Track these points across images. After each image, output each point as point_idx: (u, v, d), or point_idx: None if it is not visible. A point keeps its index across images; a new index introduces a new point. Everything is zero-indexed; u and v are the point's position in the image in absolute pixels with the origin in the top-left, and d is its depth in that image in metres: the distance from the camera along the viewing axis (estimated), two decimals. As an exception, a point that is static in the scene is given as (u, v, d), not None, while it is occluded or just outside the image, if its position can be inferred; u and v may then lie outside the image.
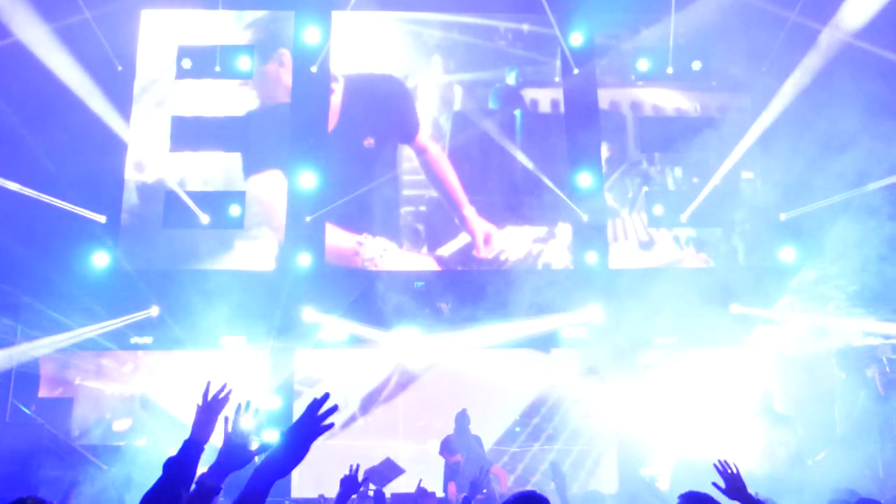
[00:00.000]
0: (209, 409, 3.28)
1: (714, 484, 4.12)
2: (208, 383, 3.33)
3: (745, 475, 4.13)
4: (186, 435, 3.22)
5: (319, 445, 3.81)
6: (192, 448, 3.14)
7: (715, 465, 4.18)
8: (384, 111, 12.60)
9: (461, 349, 11.78)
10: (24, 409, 10.56)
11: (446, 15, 12.89)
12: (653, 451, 11.56)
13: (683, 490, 4.02)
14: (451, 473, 9.68)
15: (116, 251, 11.85)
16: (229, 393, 3.35)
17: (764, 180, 12.45)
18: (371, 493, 7.48)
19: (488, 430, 11.10)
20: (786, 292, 11.59)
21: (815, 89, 11.41)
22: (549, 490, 6.07)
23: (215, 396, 3.32)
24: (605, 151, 12.68)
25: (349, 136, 12.50)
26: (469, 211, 12.40)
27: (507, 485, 10.00)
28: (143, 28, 12.71)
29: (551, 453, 11.55)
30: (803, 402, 11.21)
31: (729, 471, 4.13)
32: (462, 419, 10.07)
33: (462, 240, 12.39)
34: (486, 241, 12.39)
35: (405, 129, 12.63)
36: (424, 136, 12.61)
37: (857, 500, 5.18)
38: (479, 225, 12.39)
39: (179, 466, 3.05)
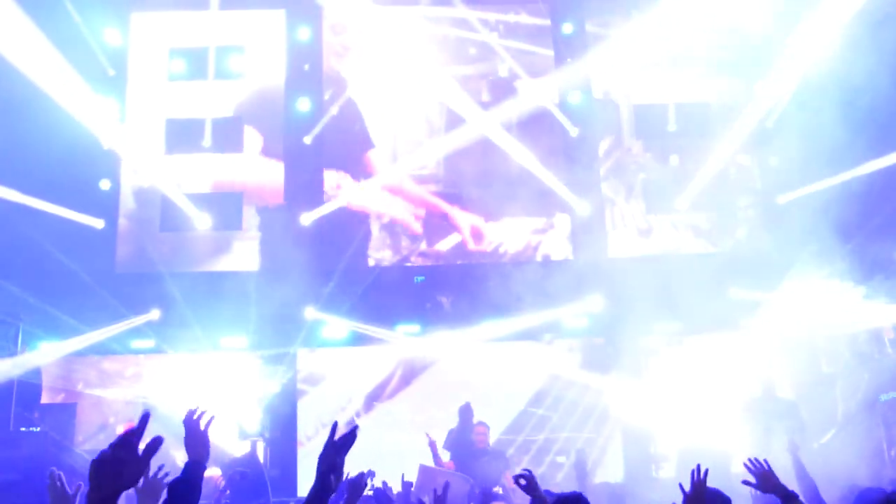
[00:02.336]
0: (195, 432, 3.28)
1: (745, 482, 4.19)
2: (189, 412, 3.30)
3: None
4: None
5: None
6: (194, 469, 3.19)
7: (745, 465, 4.22)
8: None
9: (463, 342, 11.78)
10: (27, 416, 10.54)
11: (438, 8, 12.86)
12: (658, 439, 11.58)
13: (688, 477, 4.01)
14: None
15: (115, 255, 11.83)
16: (203, 413, 3.30)
17: (761, 164, 12.44)
18: (370, 493, 7.40)
19: (493, 422, 11.10)
20: (786, 275, 11.57)
21: (812, 71, 11.37)
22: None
23: (197, 420, 3.30)
24: (600, 140, 12.65)
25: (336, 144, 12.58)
26: (448, 208, 12.39)
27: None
28: (134, 31, 12.68)
29: (557, 443, 11.57)
30: (805, 386, 11.22)
31: (760, 468, 4.17)
32: (465, 413, 10.04)
33: (457, 236, 12.40)
34: (475, 234, 12.38)
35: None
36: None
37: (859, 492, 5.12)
38: (465, 220, 12.38)
39: (184, 487, 3.11)
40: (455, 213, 12.40)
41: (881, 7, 10.55)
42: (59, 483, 3.94)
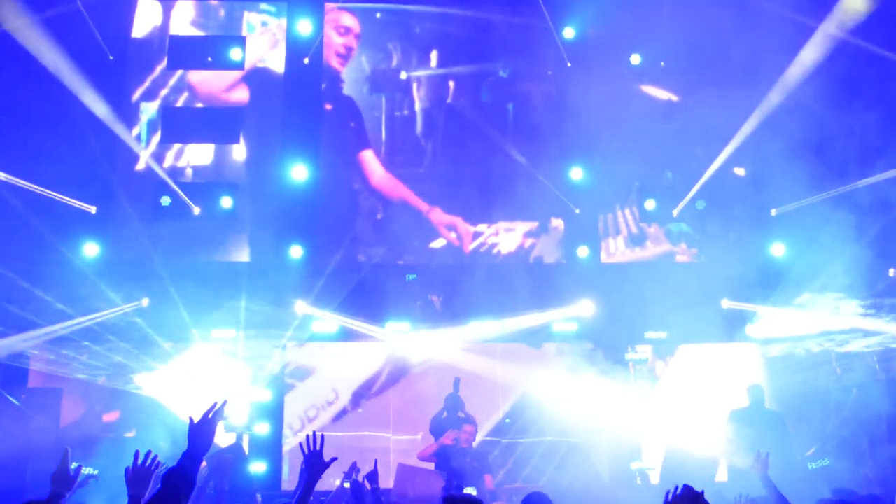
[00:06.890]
0: (208, 424, 3.34)
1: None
2: (214, 404, 3.41)
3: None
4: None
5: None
6: (191, 461, 3.22)
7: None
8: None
9: (452, 343, 11.78)
10: (12, 399, 10.48)
11: (439, 8, 12.83)
12: (644, 446, 11.60)
13: (672, 484, 3.99)
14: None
15: (107, 242, 11.78)
16: (223, 406, 3.43)
17: (756, 175, 12.44)
18: (347, 485, 7.32)
19: (479, 423, 11.14)
20: (777, 288, 11.61)
21: (807, 84, 11.39)
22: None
23: (215, 413, 3.38)
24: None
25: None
26: (430, 211, 12.43)
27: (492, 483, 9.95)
28: (136, 18, 12.64)
29: (541, 446, 11.58)
30: (793, 399, 11.26)
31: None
32: (451, 402, 10.02)
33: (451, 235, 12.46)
34: (455, 230, 12.39)
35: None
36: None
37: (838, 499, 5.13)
38: (442, 220, 12.40)
39: (179, 478, 3.11)
40: (435, 214, 12.41)
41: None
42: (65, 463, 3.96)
